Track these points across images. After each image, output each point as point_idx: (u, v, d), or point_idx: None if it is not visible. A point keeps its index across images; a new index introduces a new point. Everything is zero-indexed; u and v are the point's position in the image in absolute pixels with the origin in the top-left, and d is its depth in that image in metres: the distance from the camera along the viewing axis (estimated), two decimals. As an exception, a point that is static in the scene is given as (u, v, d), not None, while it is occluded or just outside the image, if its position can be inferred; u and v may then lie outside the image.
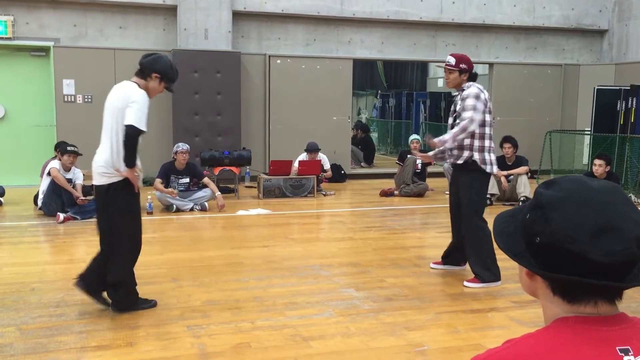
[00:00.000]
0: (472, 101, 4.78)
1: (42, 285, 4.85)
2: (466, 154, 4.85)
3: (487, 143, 4.88)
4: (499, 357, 1.06)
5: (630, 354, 1.04)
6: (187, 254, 5.94)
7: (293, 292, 4.73)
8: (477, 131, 4.82)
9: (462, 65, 4.87)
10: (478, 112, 4.77)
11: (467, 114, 4.77)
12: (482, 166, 4.86)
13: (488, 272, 4.90)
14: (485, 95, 4.88)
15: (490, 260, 4.90)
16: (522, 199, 8.68)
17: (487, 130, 4.87)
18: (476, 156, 4.84)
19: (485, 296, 4.71)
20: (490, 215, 8.65)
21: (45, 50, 10.29)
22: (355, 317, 4.20)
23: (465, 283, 4.95)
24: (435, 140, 4.91)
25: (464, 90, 4.89)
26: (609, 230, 1.02)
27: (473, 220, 4.89)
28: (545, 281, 1.11)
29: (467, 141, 4.84)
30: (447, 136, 4.85)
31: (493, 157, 4.93)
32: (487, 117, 4.87)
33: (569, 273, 1.04)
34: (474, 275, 4.97)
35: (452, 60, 4.90)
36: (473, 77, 4.95)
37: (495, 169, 4.97)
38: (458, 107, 4.92)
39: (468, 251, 5.03)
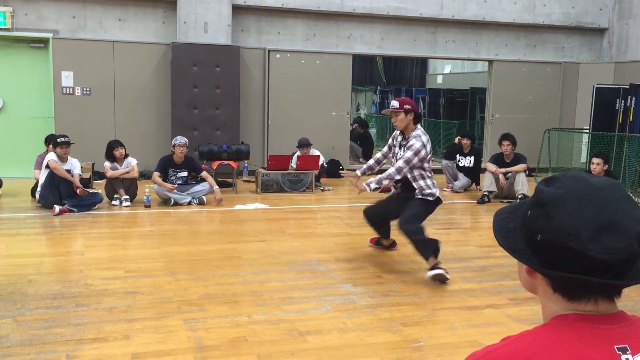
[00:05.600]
0: (411, 152, 5.17)
1: (39, 277, 4.85)
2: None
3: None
4: (498, 354, 1.05)
5: (628, 352, 1.03)
6: (185, 247, 5.94)
7: (290, 287, 4.73)
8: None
9: (406, 106, 5.24)
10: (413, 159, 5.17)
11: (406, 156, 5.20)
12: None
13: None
14: (426, 147, 5.20)
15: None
16: (519, 196, 8.67)
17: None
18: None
19: (481, 293, 4.71)
20: (488, 212, 8.58)
21: (44, 41, 10.26)
22: (352, 312, 4.21)
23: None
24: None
25: (409, 140, 5.26)
26: (610, 227, 1.02)
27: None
28: (546, 278, 1.10)
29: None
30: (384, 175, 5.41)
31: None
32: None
33: (570, 271, 1.04)
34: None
35: (396, 104, 5.27)
36: (418, 117, 5.34)
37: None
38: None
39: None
